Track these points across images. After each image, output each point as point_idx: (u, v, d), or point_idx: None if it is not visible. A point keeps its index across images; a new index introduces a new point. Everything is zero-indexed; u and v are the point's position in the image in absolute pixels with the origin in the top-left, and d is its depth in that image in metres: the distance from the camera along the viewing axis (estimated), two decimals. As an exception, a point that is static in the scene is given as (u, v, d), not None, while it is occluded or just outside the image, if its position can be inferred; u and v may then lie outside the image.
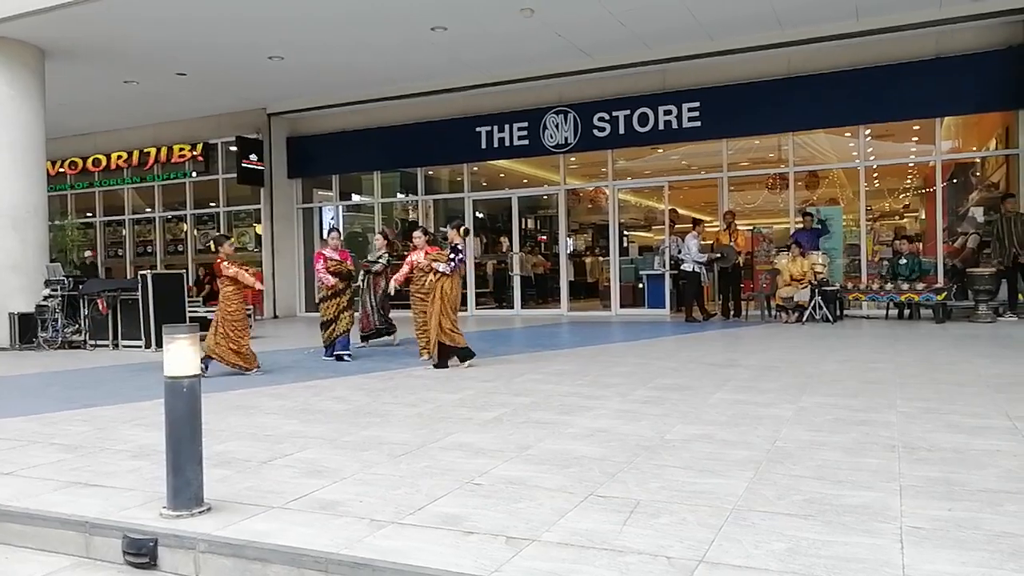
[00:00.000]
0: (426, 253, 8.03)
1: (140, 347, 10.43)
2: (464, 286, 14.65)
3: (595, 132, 14.06)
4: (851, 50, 12.14)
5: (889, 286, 11.25)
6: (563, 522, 2.95)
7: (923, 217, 14.99)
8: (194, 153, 17.41)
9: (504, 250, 16.35)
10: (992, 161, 13.16)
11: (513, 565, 2.56)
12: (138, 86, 14.34)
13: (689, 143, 14.07)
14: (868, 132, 12.81)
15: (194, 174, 17.76)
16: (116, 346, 10.73)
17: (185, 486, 3.20)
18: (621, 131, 13.88)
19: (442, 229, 13.92)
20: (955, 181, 13.46)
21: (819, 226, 12.27)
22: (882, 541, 2.65)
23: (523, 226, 16.73)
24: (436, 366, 7.46)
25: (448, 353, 7.51)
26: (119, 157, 18.29)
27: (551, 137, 14.41)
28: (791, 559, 2.52)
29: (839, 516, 2.91)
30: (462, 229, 7.81)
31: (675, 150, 14.78)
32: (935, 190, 12.50)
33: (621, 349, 9.09)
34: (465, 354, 7.51)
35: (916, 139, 13.36)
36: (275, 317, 16.29)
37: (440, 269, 7.51)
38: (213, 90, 14.91)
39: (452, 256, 7.50)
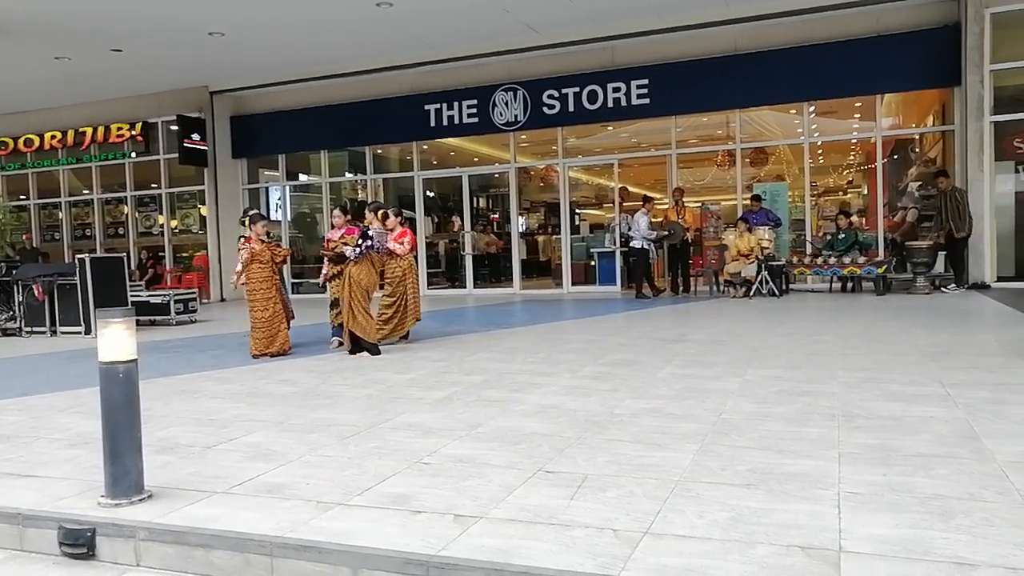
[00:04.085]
0: (346, 233, 7.49)
1: (79, 333, 10.11)
2: (416, 266, 14.60)
3: (545, 109, 14.02)
4: (795, 28, 12.32)
5: (819, 259, 11.51)
6: (511, 498, 2.96)
7: (866, 192, 15.37)
8: (133, 133, 16.85)
9: (456, 229, 16.26)
10: (930, 137, 13.54)
11: (460, 543, 2.55)
12: (70, 63, 13.77)
13: (638, 120, 14.16)
14: (812, 109, 13.04)
15: (134, 154, 17.19)
16: (54, 333, 10.37)
17: (124, 474, 3.12)
18: (571, 108, 13.87)
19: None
20: (895, 157, 13.81)
21: (769, 209, 12.43)
22: (821, 507, 2.72)
23: (474, 205, 16.65)
24: (350, 352, 7.10)
25: (359, 341, 7.10)
26: (53, 137, 17.59)
27: (501, 115, 14.32)
28: (733, 528, 2.57)
29: (780, 484, 2.98)
30: (380, 213, 7.43)
31: (625, 128, 14.85)
32: (876, 166, 12.81)
33: (572, 326, 9.14)
34: (372, 350, 7.06)
35: (858, 116, 13.65)
36: (222, 300, 15.96)
37: (347, 254, 7.14)
38: (151, 67, 14.38)
39: (360, 242, 7.08)
